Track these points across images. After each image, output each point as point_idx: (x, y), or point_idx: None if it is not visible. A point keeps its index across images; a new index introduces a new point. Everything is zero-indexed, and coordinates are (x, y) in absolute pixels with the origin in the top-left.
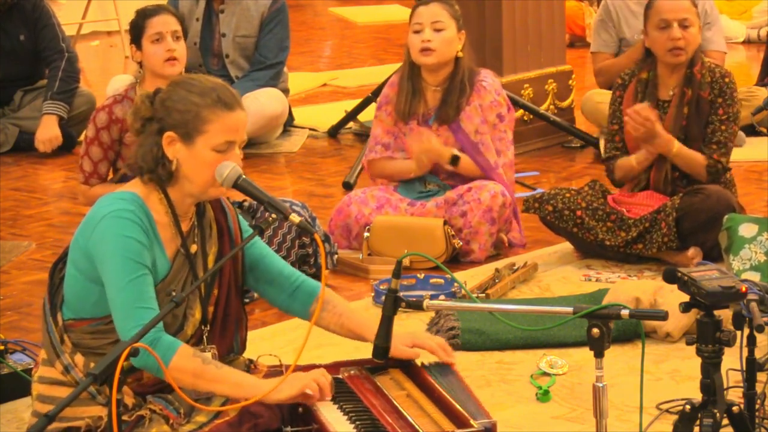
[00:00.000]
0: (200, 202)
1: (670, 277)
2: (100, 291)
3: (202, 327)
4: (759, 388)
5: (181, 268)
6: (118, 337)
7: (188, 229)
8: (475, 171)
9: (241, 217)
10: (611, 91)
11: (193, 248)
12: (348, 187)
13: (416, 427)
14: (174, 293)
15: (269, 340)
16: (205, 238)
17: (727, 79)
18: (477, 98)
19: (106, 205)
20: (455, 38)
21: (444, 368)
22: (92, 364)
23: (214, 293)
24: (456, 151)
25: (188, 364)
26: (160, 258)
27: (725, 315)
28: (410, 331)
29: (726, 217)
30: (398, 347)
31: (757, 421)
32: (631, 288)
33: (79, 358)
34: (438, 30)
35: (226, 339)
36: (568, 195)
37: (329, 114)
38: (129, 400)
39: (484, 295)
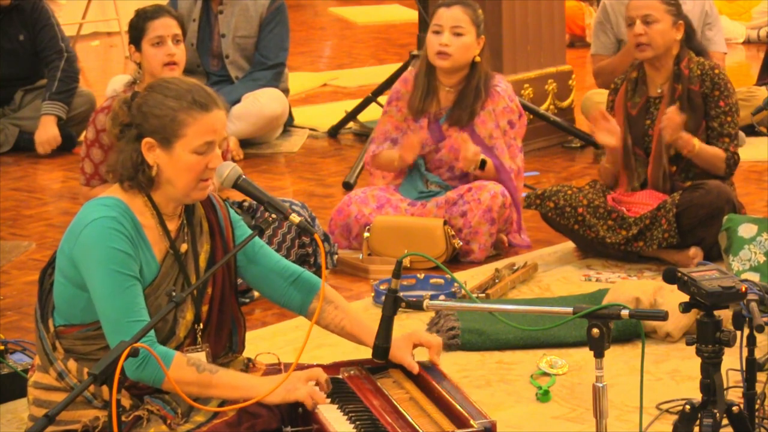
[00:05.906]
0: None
1: (670, 277)
2: (88, 298)
3: (196, 326)
4: (759, 388)
5: (170, 269)
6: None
7: (177, 228)
8: (495, 175)
9: (233, 212)
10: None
11: (183, 248)
12: (348, 187)
13: (416, 427)
14: (174, 293)
15: (269, 340)
16: (195, 236)
17: (717, 71)
18: (491, 103)
19: (88, 212)
20: (473, 44)
21: (432, 369)
22: (86, 370)
23: (207, 292)
24: (485, 156)
25: (183, 375)
26: (148, 261)
27: (725, 315)
28: (409, 333)
29: (725, 217)
30: (402, 355)
31: (757, 421)
32: (631, 288)
33: (72, 364)
34: (457, 35)
35: (221, 338)
36: (569, 192)
37: (329, 114)
38: (126, 402)
39: (484, 295)
